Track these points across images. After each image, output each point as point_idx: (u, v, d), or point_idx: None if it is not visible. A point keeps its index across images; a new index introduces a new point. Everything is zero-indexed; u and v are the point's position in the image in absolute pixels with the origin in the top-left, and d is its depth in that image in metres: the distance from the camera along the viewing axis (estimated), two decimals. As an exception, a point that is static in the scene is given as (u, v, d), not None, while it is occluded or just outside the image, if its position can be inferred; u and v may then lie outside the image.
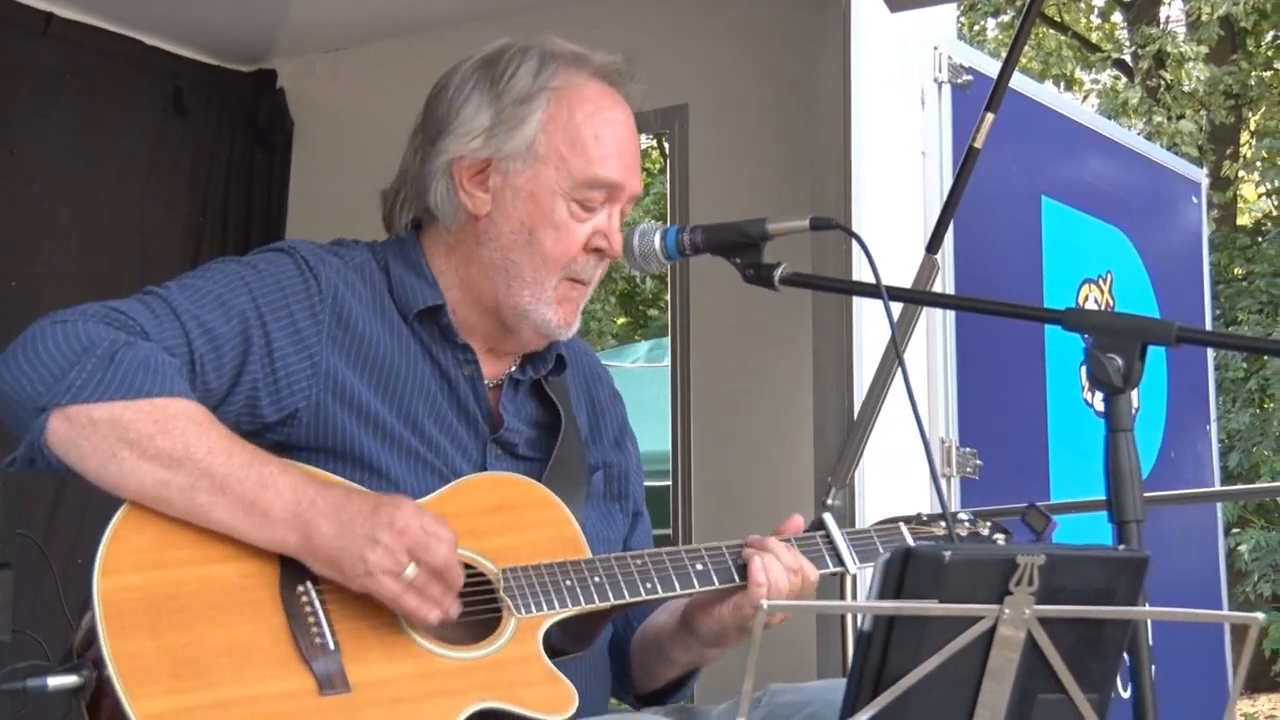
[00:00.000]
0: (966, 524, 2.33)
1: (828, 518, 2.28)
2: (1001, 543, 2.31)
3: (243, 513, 1.96)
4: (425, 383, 2.21)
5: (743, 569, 2.18)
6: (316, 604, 1.97)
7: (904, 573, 1.54)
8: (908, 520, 2.33)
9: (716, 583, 2.17)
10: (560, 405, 2.32)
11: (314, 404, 2.11)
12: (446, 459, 2.19)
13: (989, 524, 2.33)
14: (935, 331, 4.06)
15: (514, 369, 2.32)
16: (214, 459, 1.96)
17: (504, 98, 2.25)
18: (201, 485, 1.95)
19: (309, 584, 1.98)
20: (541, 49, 2.28)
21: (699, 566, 2.17)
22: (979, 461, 4.08)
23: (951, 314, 4.06)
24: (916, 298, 3.37)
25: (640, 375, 8.96)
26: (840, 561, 2.26)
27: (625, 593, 2.12)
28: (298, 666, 1.92)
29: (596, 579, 2.11)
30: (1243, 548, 10.01)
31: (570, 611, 2.08)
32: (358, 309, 2.18)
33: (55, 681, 1.89)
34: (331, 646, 1.94)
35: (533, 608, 2.06)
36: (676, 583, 2.15)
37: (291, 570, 1.98)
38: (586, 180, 2.22)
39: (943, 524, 2.30)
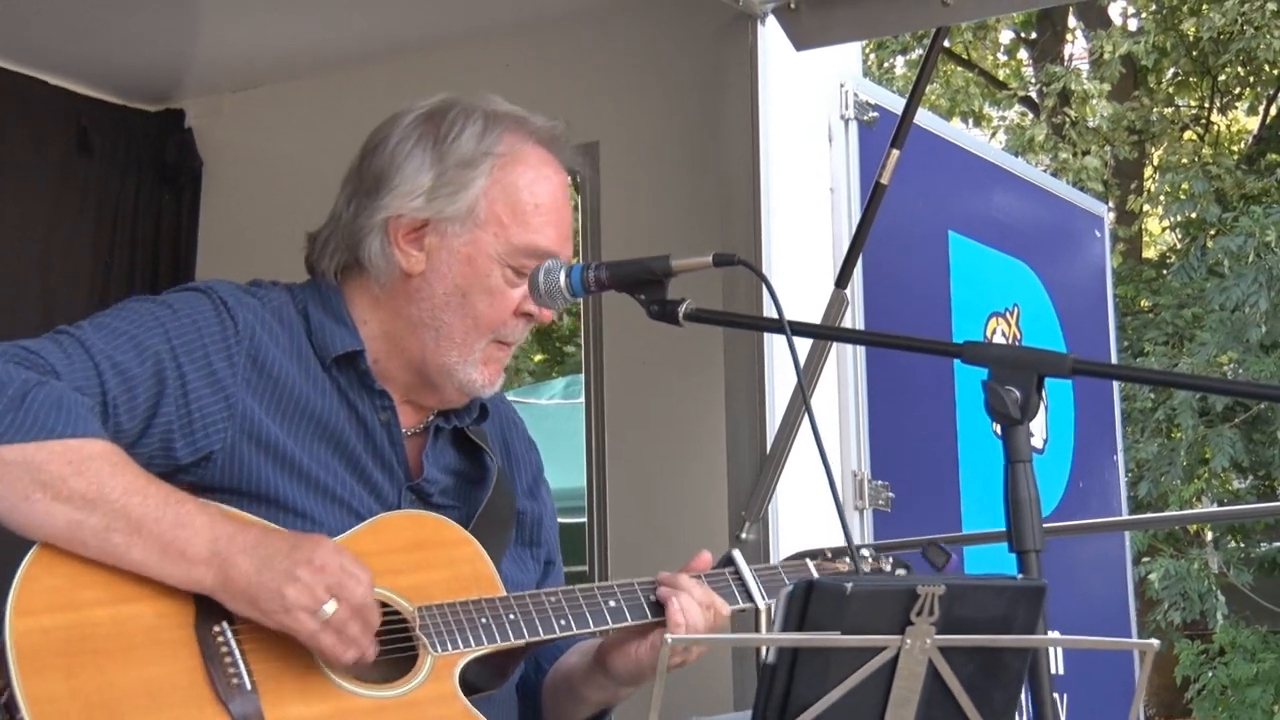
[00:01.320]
0: (869, 559, 2.36)
1: (736, 554, 2.31)
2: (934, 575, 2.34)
3: (159, 553, 1.94)
4: (342, 427, 2.20)
5: (655, 605, 2.19)
6: (233, 644, 1.96)
7: (807, 604, 1.56)
8: (813, 555, 2.36)
9: (630, 619, 2.19)
10: (490, 453, 2.34)
11: (229, 446, 2.10)
12: (363, 503, 2.18)
13: (889, 558, 2.36)
14: (846, 365, 4.09)
15: (435, 417, 2.31)
16: (129, 499, 1.94)
17: (447, 159, 2.24)
18: (117, 526, 1.93)
19: (225, 624, 1.97)
20: (485, 110, 2.29)
21: (612, 603, 2.18)
22: (891, 494, 4.11)
23: (862, 348, 4.09)
24: (821, 332, 3.40)
25: (556, 412, 8.95)
26: (749, 597, 2.29)
27: (540, 630, 2.13)
28: (215, 708, 1.91)
29: (511, 616, 2.11)
30: (1153, 576, 10.13)
31: (486, 649, 2.09)
32: (275, 352, 2.17)
33: None
34: (248, 687, 1.93)
35: (448, 645, 2.06)
36: (590, 619, 2.16)
37: (208, 610, 1.97)
38: (523, 248, 2.23)
39: (848, 559, 2.33)
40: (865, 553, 2.38)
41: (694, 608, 2.17)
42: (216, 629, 1.96)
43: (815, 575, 2.33)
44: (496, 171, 2.24)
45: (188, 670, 1.92)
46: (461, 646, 2.06)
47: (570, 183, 2.32)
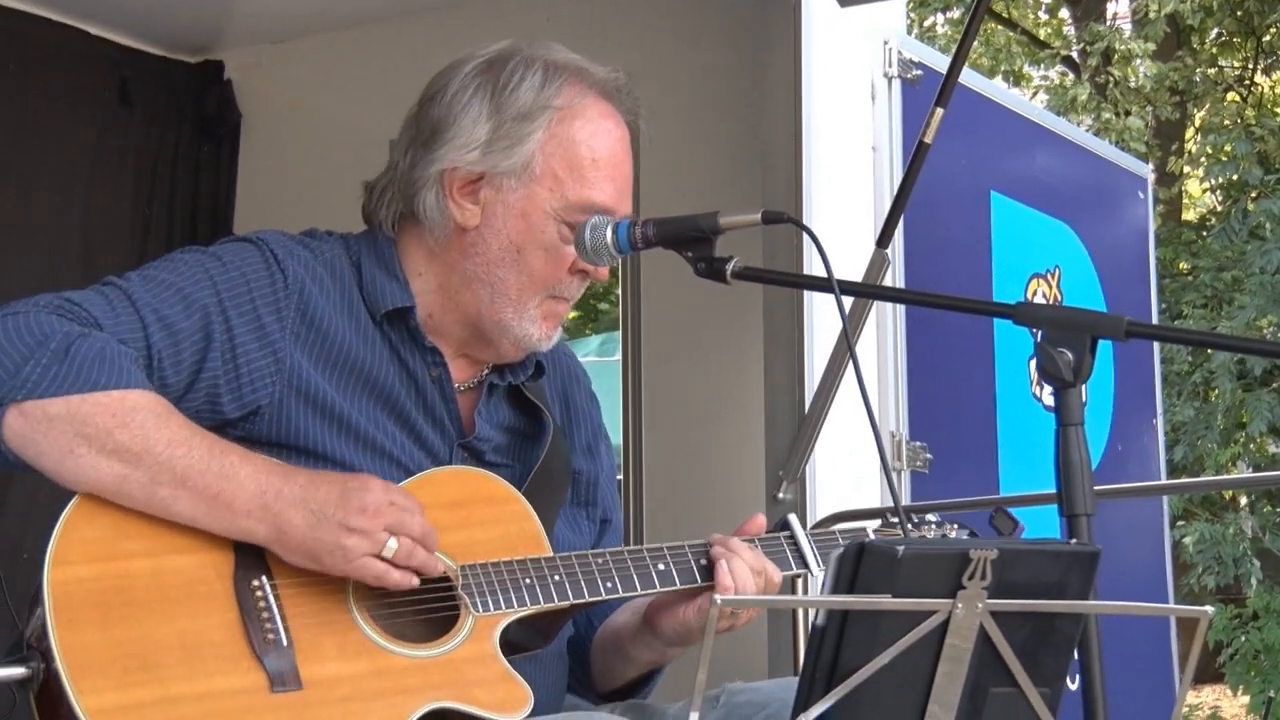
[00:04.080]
0: (934, 525, 2.32)
1: (792, 518, 2.26)
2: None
3: (206, 505, 1.94)
4: (392, 383, 2.18)
5: (705, 569, 2.16)
6: (271, 599, 1.96)
7: (858, 567, 1.55)
8: (873, 515, 2.31)
9: (678, 583, 2.16)
10: (546, 411, 2.30)
11: (277, 400, 2.09)
12: (412, 459, 2.17)
13: (956, 527, 2.31)
14: (886, 326, 4.06)
15: (488, 373, 2.29)
16: (174, 451, 1.94)
17: (504, 110, 2.21)
18: (163, 479, 1.93)
19: (264, 578, 1.97)
20: (546, 60, 2.24)
21: (661, 566, 2.15)
22: (929, 455, 4.09)
23: (902, 308, 4.06)
24: (869, 292, 3.38)
25: (591, 369, 8.93)
26: (804, 563, 2.24)
27: (585, 592, 2.10)
28: (250, 662, 1.91)
29: (556, 577, 2.09)
30: (1187, 540, 10.09)
31: (528, 610, 2.07)
32: (324, 306, 2.15)
33: (2, 673, 1.87)
34: (285, 642, 1.93)
35: (490, 606, 2.04)
36: (638, 582, 2.14)
37: (247, 562, 1.97)
38: (580, 204, 2.20)
39: (909, 527, 2.28)
40: (932, 519, 2.33)
41: (745, 572, 2.13)
42: (255, 583, 1.96)
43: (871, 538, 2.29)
44: (554, 125, 2.21)
45: (224, 624, 1.92)
46: (504, 607, 2.05)
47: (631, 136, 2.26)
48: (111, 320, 2.00)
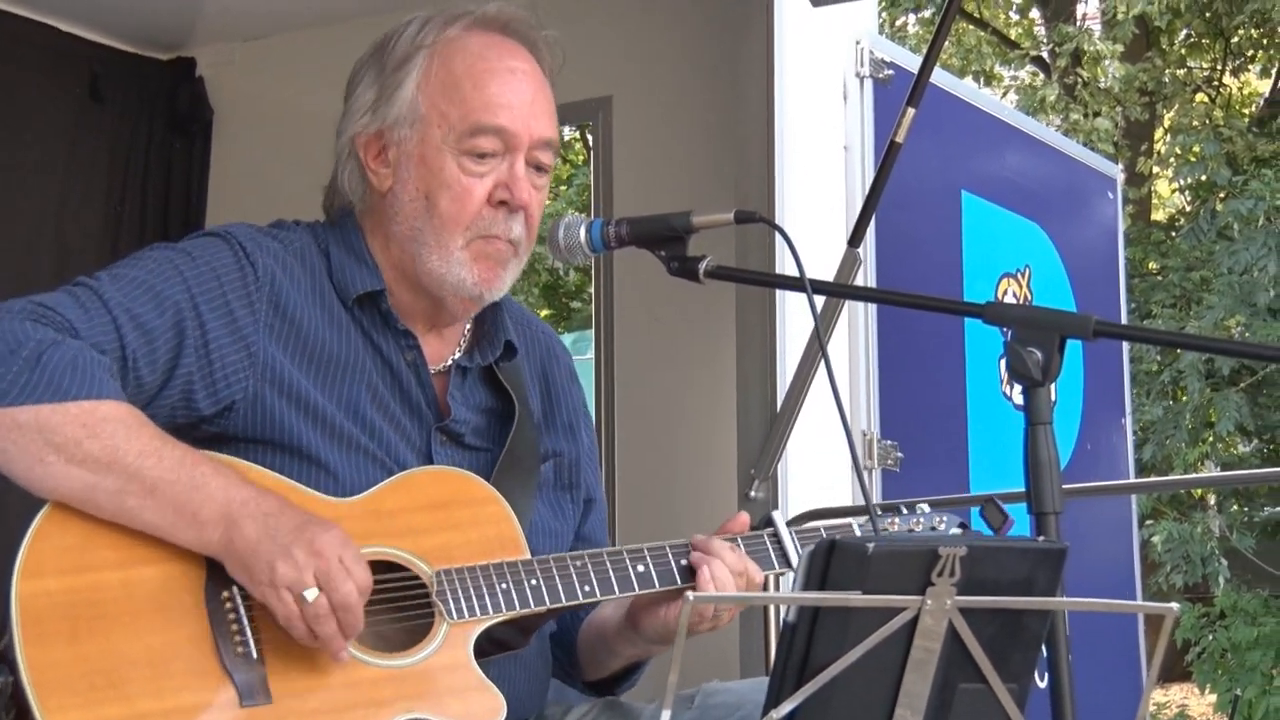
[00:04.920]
0: (921, 519, 2.27)
1: (776, 516, 2.22)
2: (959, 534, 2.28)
3: (172, 515, 1.92)
4: (366, 370, 2.16)
5: (686, 570, 2.13)
6: (241, 611, 1.94)
7: (828, 564, 1.56)
8: (847, 513, 2.29)
9: (658, 585, 2.13)
10: (514, 392, 2.27)
11: (251, 395, 2.07)
12: (390, 448, 2.14)
13: (945, 518, 2.28)
14: (857, 325, 4.08)
15: (460, 355, 2.27)
16: (144, 462, 1.92)
17: (386, 66, 2.21)
18: (131, 489, 1.91)
19: (235, 589, 1.94)
20: (427, 14, 2.22)
21: (640, 568, 2.12)
22: (900, 454, 4.11)
23: (873, 307, 4.08)
24: (841, 291, 3.39)
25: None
26: (787, 562, 2.19)
27: (562, 596, 2.08)
28: (219, 677, 1.89)
29: (533, 581, 2.07)
30: (1156, 539, 10.14)
31: (504, 617, 2.05)
32: (296, 296, 2.13)
33: None
34: (254, 655, 1.91)
35: (465, 612, 2.02)
36: (616, 585, 2.11)
37: (218, 575, 1.95)
38: (468, 129, 2.15)
39: (897, 519, 2.26)
40: (924, 507, 2.28)
41: (725, 575, 2.10)
42: (226, 595, 1.94)
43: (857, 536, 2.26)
44: (426, 62, 2.18)
45: (194, 638, 1.90)
46: (479, 613, 2.02)
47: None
48: (85, 323, 1.98)
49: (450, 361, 2.26)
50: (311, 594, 1.88)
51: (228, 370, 2.07)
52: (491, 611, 2.03)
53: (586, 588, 2.09)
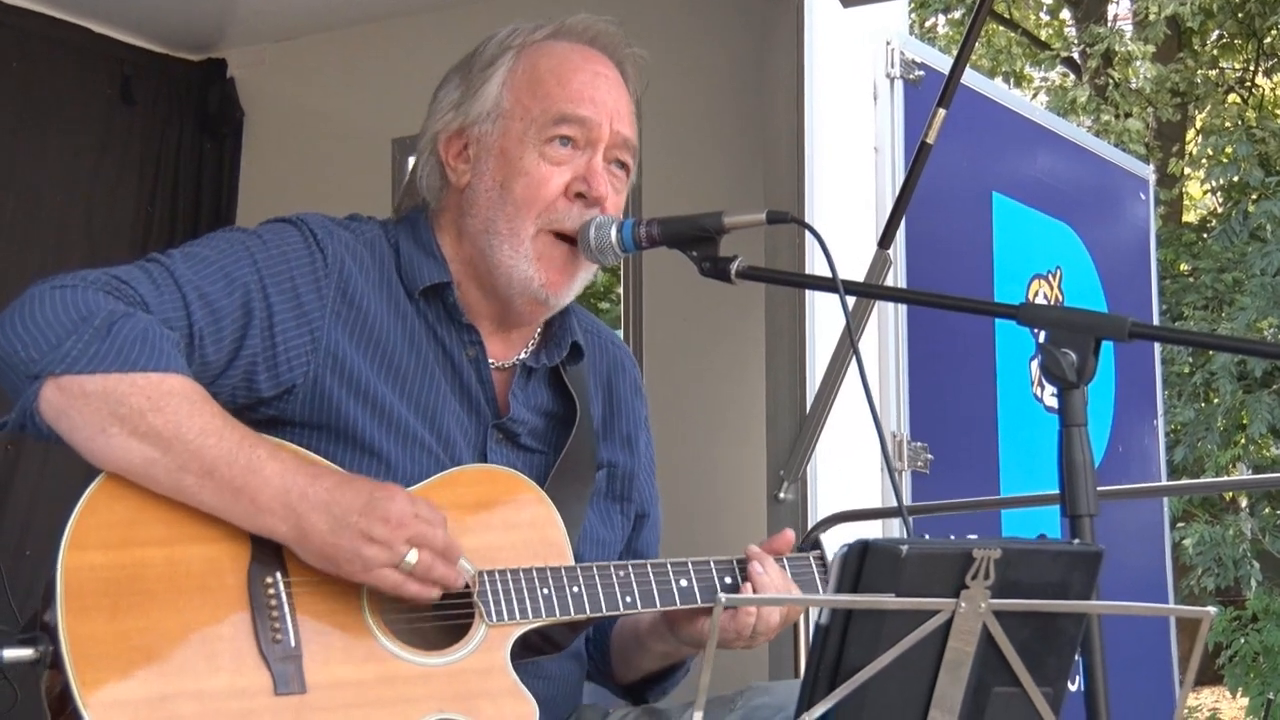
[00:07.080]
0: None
1: (824, 539, 2.23)
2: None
3: (230, 497, 1.92)
4: (427, 362, 2.17)
5: (730, 589, 2.12)
6: (283, 597, 1.94)
7: (861, 566, 1.55)
8: (875, 515, 2.28)
9: (700, 601, 2.12)
10: (576, 395, 2.27)
11: (311, 380, 2.08)
12: (444, 442, 2.15)
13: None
14: (887, 326, 4.06)
15: (526, 355, 2.27)
16: (205, 440, 1.92)
17: (472, 68, 2.25)
18: (190, 467, 1.91)
19: (279, 574, 1.95)
20: (517, 23, 2.27)
21: (684, 583, 2.12)
22: (930, 456, 4.09)
23: (904, 309, 4.07)
24: (873, 292, 3.38)
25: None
26: None
27: (603, 605, 2.07)
28: (255, 662, 1.89)
29: (575, 589, 2.06)
30: (1187, 541, 10.09)
31: (543, 622, 2.04)
32: (363, 285, 2.15)
33: (13, 654, 1.87)
34: (292, 644, 1.91)
35: (505, 615, 2.02)
36: (658, 599, 2.10)
37: (263, 557, 1.95)
38: (551, 118, 2.18)
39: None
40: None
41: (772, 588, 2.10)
42: (269, 579, 1.94)
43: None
44: (514, 61, 2.23)
45: (234, 620, 1.91)
46: (518, 618, 2.02)
47: (626, 87, 2.23)
48: (156, 298, 1.99)
49: (515, 360, 2.26)
50: (413, 557, 1.92)
51: (290, 353, 2.07)
52: (531, 616, 2.03)
53: (628, 598, 2.08)
